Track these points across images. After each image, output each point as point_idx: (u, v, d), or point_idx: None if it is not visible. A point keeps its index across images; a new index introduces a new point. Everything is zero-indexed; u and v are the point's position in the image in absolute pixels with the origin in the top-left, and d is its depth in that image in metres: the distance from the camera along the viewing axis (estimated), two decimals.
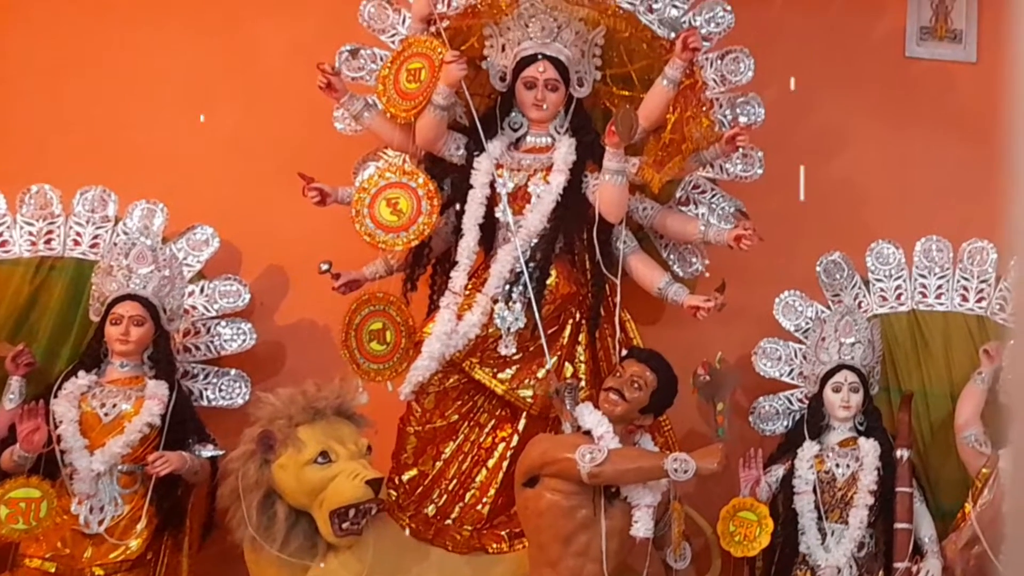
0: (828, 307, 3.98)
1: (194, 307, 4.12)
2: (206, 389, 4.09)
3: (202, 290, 4.15)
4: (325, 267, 3.90)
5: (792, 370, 3.96)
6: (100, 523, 3.61)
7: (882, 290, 4.02)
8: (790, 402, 3.96)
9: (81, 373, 3.76)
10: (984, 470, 3.58)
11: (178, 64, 4.43)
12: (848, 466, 3.66)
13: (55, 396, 3.68)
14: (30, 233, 4.12)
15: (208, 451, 3.77)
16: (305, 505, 3.52)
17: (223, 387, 4.10)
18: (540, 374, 3.83)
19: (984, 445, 3.66)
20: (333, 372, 3.76)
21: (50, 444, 3.58)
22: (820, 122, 4.46)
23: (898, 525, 3.58)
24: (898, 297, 4.00)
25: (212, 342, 4.13)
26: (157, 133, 4.40)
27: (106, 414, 3.71)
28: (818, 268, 4.01)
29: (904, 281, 4.01)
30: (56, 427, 3.61)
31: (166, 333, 3.89)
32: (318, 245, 4.04)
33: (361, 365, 3.93)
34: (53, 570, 3.58)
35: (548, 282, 3.87)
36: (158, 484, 3.66)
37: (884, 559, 3.63)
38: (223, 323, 4.14)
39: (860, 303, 3.99)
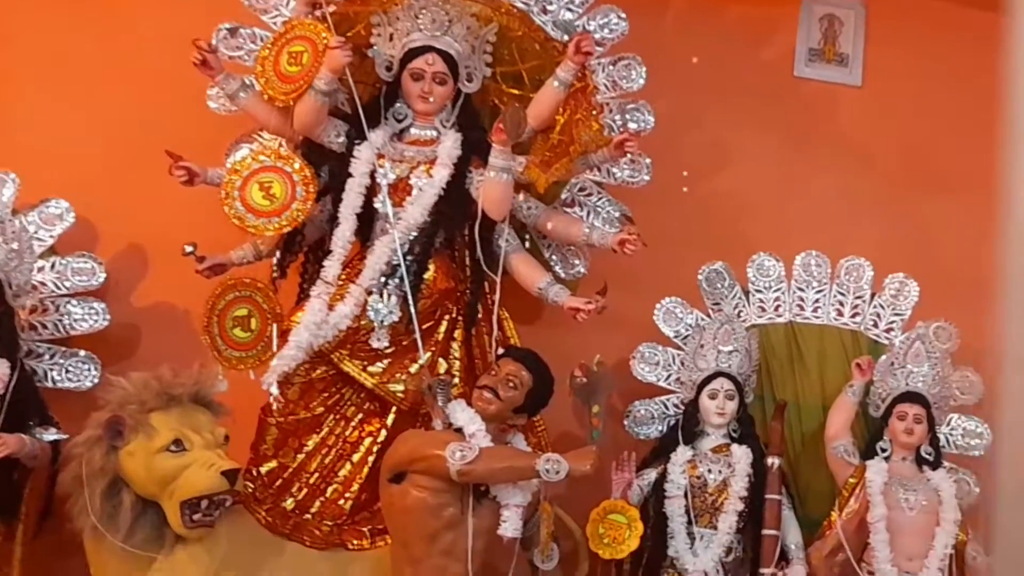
0: (708, 315, 4.12)
1: (43, 283, 4.02)
2: (52, 370, 3.99)
3: (53, 266, 4.06)
4: (189, 249, 3.85)
5: (669, 375, 4.08)
6: None
7: (761, 301, 4.18)
8: (666, 407, 4.07)
9: None
10: (851, 480, 3.75)
11: (41, 33, 4.33)
12: (720, 472, 3.77)
13: None
14: None
15: (50, 435, 3.68)
16: (154, 494, 3.46)
17: (70, 368, 4.01)
18: (413, 369, 3.85)
19: (852, 456, 3.83)
20: (191, 358, 3.71)
21: None
22: (708, 134, 4.65)
23: (766, 531, 3.69)
24: (776, 308, 4.17)
25: (61, 321, 4.03)
26: (12, 103, 4.29)
27: None
28: (700, 277, 4.16)
29: (783, 293, 4.18)
30: None
31: (10, 309, 3.78)
32: (183, 226, 3.99)
33: (223, 352, 3.87)
34: None
35: (425, 276, 3.90)
36: None
37: (751, 564, 3.74)
38: (74, 302, 4.05)
39: (739, 313, 4.14)
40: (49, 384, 3.94)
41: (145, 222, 4.25)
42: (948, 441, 4.00)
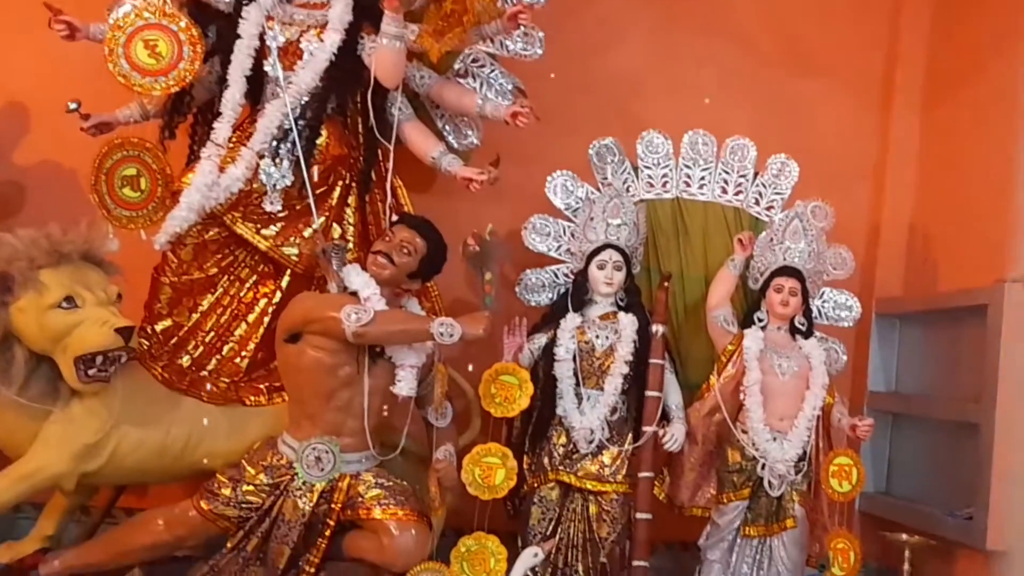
0: (598, 189, 4.31)
1: None
2: None
3: None
4: (73, 106, 3.91)
5: (560, 246, 4.29)
6: None
7: (650, 177, 4.39)
8: (556, 276, 4.29)
9: None
10: (729, 347, 4.06)
11: None
12: (607, 338, 4.02)
13: None
14: None
15: None
16: (47, 350, 3.59)
17: None
18: (307, 233, 4.01)
19: (731, 325, 4.13)
20: (79, 217, 3.79)
21: None
22: (601, 12, 4.85)
23: (649, 393, 3.99)
24: (664, 185, 4.38)
25: None
26: None
27: None
28: (591, 151, 4.34)
29: (670, 170, 4.39)
30: None
31: None
32: (65, 83, 4.03)
33: (112, 211, 3.99)
34: None
35: (318, 142, 4.04)
36: None
37: (634, 423, 4.04)
38: None
39: (628, 188, 4.34)
40: None
41: (25, 77, 4.25)
42: (820, 313, 4.31)
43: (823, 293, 4.32)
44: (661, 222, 4.36)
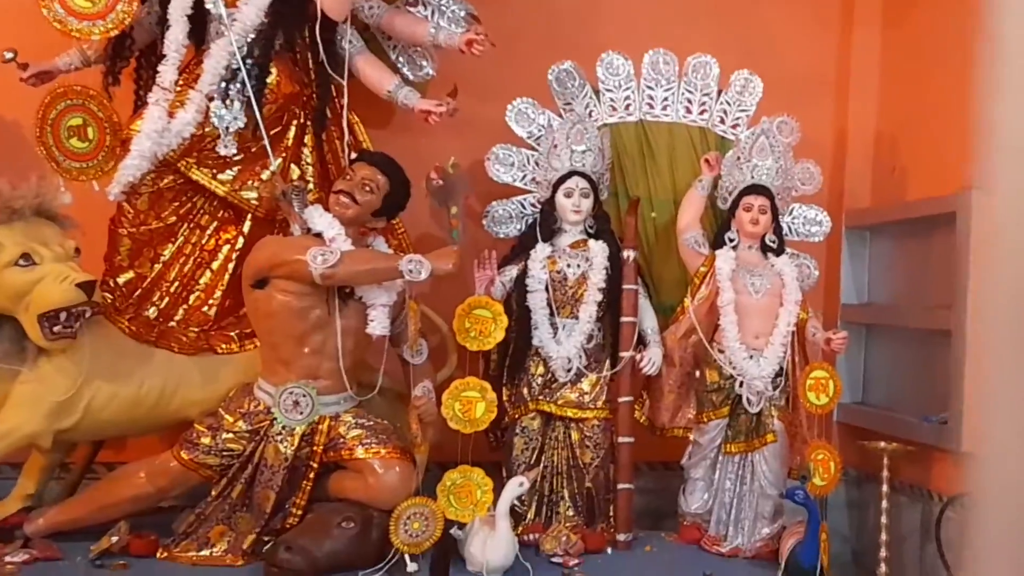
0: (560, 116, 4.50)
1: None
2: None
3: None
4: (9, 56, 4.03)
5: (525, 176, 4.49)
6: None
7: (612, 100, 4.58)
8: (523, 206, 4.50)
9: None
10: (702, 268, 4.29)
11: None
12: (579, 266, 4.25)
13: None
14: None
15: None
16: (8, 309, 3.78)
17: None
18: (264, 176, 4.16)
19: (702, 246, 4.36)
20: (28, 171, 3.93)
21: None
22: None
23: (624, 319, 4.24)
24: (627, 107, 4.57)
25: None
26: None
27: None
28: (550, 77, 4.51)
29: (632, 92, 4.58)
30: None
31: None
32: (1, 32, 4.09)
33: (61, 163, 4.13)
34: None
35: (268, 80, 4.17)
36: None
37: (611, 349, 4.30)
38: None
39: (591, 112, 4.53)
40: None
41: None
42: (790, 229, 4.55)
43: (792, 209, 4.56)
44: (626, 146, 4.57)
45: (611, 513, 4.25)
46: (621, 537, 4.19)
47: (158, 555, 3.74)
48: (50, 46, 4.09)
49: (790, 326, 4.21)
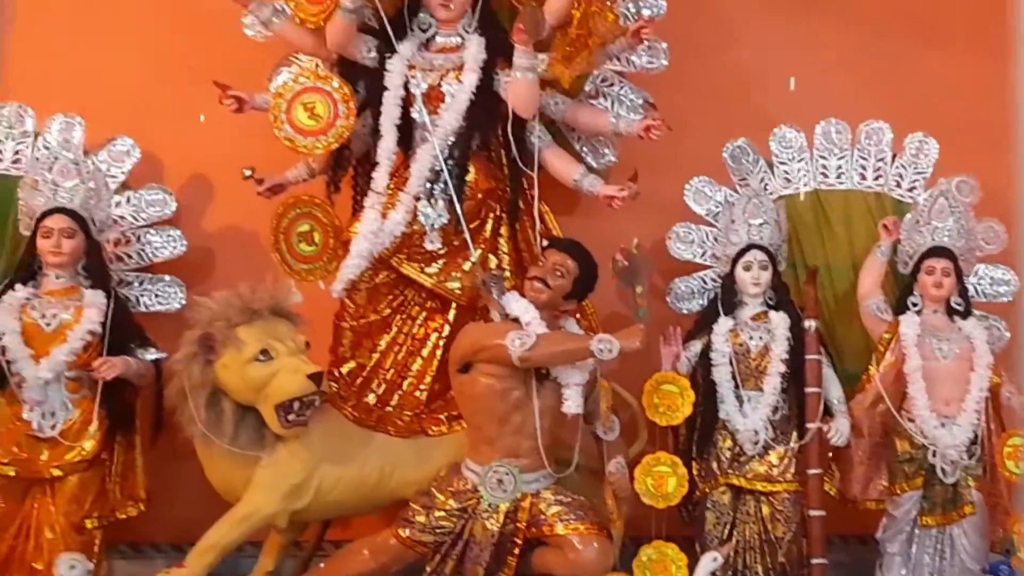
0: (736, 191, 3.81)
1: (122, 217, 3.82)
2: (142, 295, 3.82)
3: (128, 200, 3.86)
4: (248, 173, 3.64)
5: (704, 252, 3.82)
6: (53, 427, 3.42)
7: (786, 172, 3.86)
8: (704, 282, 3.81)
9: (18, 286, 3.50)
10: (886, 335, 3.51)
11: None
12: (761, 338, 3.54)
13: None
14: None
15: (151, 354, 3.56)
16: (251, 400, 3.35)
17: (158, 293, 3.84)
18: (466, 267, 3.66)
19: (885, 312, 3.58)
20: (264, 274, 3.54)
21: None
22: (717, 13, 4.24)
23: (808, 389, 3.49)
24: (801, 179, 3.85)
25: (143, 250, 3.85)
26: (69, 47, 4.03)
27: (47, 324, 3.47)
28: (725, 155, 3.83)
29: (806, 163, 3.85)
30: None
31: (97, 243, 3.61)
32: (240, 152, 3.74)
33: (292, 266, 3.70)
34: (12, 473, 3.38)
35: (467, 178, 3.69)
36: (106, 388, 3.45)
37: (798, 420, 3.54)
38: (152, 231, 3.86)
39: (765, 185, 3.83)
40: (142, 309, 3.78)
41: (205, 151, 4.00)
42: (976, 290, 3.72)
43: (977, 270, 3.71)
44: (802, 216, 3.82)
45: None
46: None
47: None
48: (277, 160, 3.71)
49: (983, 391, 3.37)
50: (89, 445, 3.45)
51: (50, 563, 3.27)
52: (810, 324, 3.51)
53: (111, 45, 4.06)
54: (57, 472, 3.42)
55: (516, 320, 3.40)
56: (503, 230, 3.79)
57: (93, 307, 3.50)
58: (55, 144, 3.84)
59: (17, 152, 3.85)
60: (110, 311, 3.51)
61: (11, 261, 3.69)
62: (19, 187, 3.66)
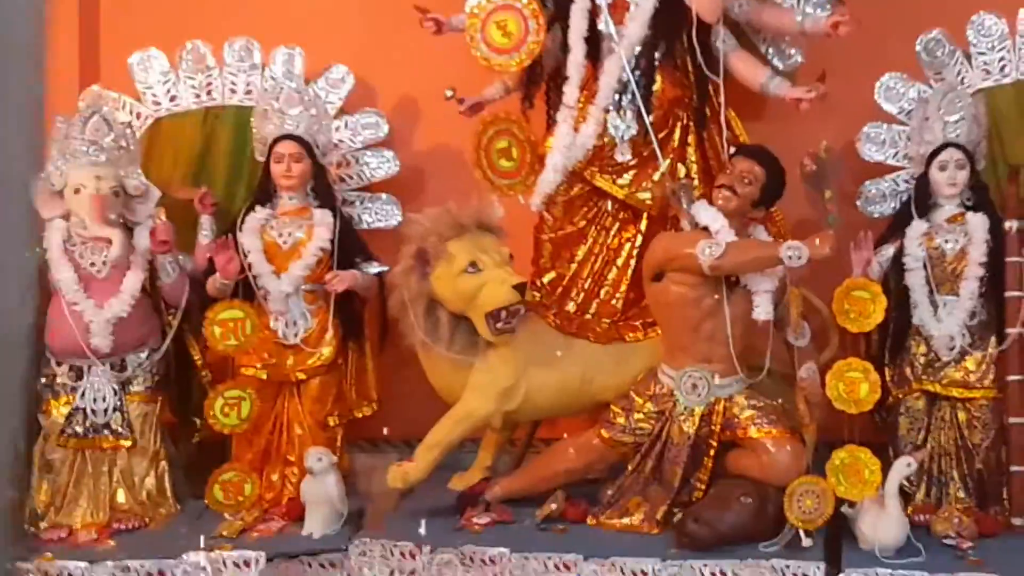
0: (930, 86, 3.34)
1: (341, 141, 3.78)
2: (363, 214, 3.80)
3: (346, 125, 3.80)
4: (450, 93, 3.51)
5: (897, 152, 3.38)
6: (296, 335, 3.47)
7: (985, 63, 3.32)
8: (896, 184, 3.39)
9: (257, 208, 3.54)
10: None
11: None
12: (957, 241, 3.15)
13: (240, 230, 3.47)
14: (192, 87, 3.83)
15: (374, 268, 3.55)
16: (463, 310, 3.31)
17: (377, 211, 3.81)
18: (655, 177, 3.42)
19: None
20: (469, 191, 3.42)
21: (243, 271, 3.42)
22: None
23: (1009, 293, 3.09)
24: (1002, 69, 3.31)
25: (362, 171, 3.82)
26: None
27: (284, 242, 3.51)
28: (918, 47, 3.34)
29: (1007, 52, 3.30)
30: (246, 256, 3.43)
31: (322, 167, 3.61)
32: (442, 74, 3.59)
33: (494, 182, 3.53)
34: (265, 376, 3.48)
35: (654, 88, 3.41)
36: (338, 299, 3.49)
37: (997, 325, 3.16)
38: (368, 153, 3.81)
39: (962, 79, 3.33)
40: (363, 226, 3.75)
41: (411, 74, 3.88)
42: None
43: None
44: (1002, 110, 3.30)
45: (1004, 496, 3.11)
46: (1017, 522, 3.06)
47: (588, 521, 3.15)
48: (476, 80, 3.54)
49: None
50: (327, 351, 3.53)
51: (300, 456, 3.39)
52: (1011, 225, 3.09)
53: None
54: (301, 376, 3.52)
55: (706, 229, 3.17)
56: (691, 139, 3.52)
57: (322, 225, 3.51)
58: (280, 74, 3.81)
59: (248, 84, 3.85)
60: (337, 229, 3.51)
61: (250, 185, 3.73)
62: (252, 117, 3.66)
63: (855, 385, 2.97)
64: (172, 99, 3.81)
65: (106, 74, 3.96)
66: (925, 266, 3.14)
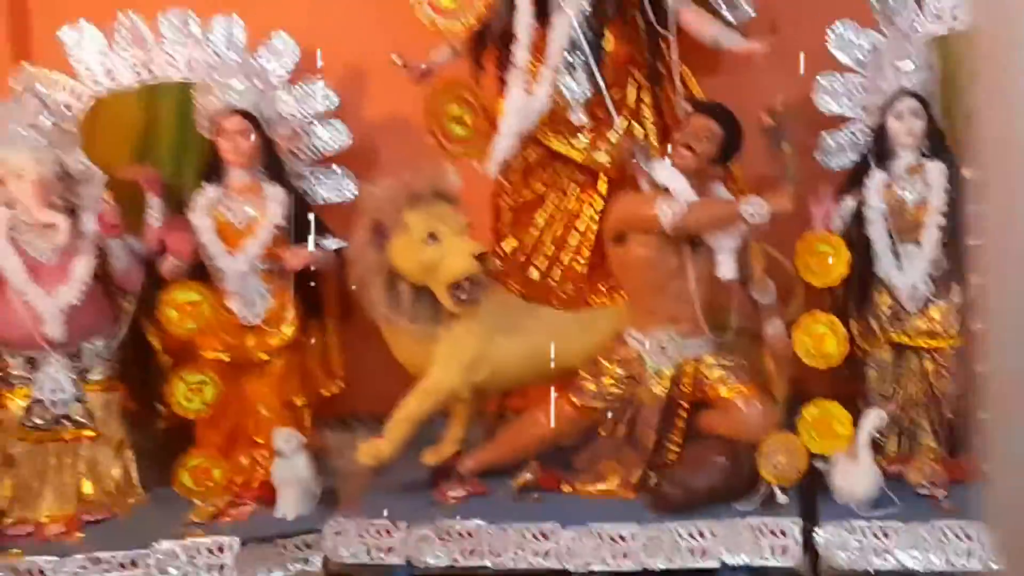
0: (883, 34, 3.10)
1: (291, 115, 3.43)
2: (317, 187, 3.46)
3: (293, 97, 3.43)
4: (397, 60, 3.18)
5: (853, 103, 3.15)
6: (255, 315, 3.19)
7: (936, 9, 3.08)
8: (854, 135, 3.16)
9: (208, 186, 3.22)
10: None
11: None
12: (917, 190, 2.95)
13: (191, 210, 3.16)
14: (130, 62, 3.43)
15: (332, 242, 3.25)
16: (424, 281, 3.04)
17: (331, 184, 3.47)
18: (612, 137, 3.17)
19: None
20: (421, 159, 3.13)
21: (197, 252, 3.13)
22: None
23: (971, 242, 2.90)
24: (954, 15, 3.06)
25: (313, 144, 3.48)
26: None
27: (239, 221, 3.20)
28: None
29: None
30: (199, 236, 3.13)
31: (271, 141, 3.28)
32: (389, 43, 3.26)
33: (448, 149, 3.26)
34: (228, 359, 3.20)
35: (604, 46, 3.14)
36: (296, 277, 3.21)
37: (960, 274, 2.97)
38: (318, 124, 3.46)
39: (915, 27, 3.08)
40: (318, 200, 3.42)
41: (358, 44, 3.53)
42: None
43: None
44: (960, 57, 3.03)
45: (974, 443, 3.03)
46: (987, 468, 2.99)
47: (564, 489, 2.95)
48: (423, 46, 3.23)
49: None
50: (288, 330, 3.25)
51: (268, 437, 3.12)
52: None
53: None
54: (263, 356, 3.24)
55: (666, 189, 2.91)
56: (645, 97, 3.25)
57: (275, 201, 3.22)
58: (221, 46, 3.44)
59: (190, 58, 3.44)
60: (291, 204, 3.22)
61: (198, 162, 3.37)
62: (194, 91, 3.31)
63: (822, 339, 2.78)
64: (110, 76, 3.41)
65: (38, 51, 3.57)
66: (886, 217, 2.94)
